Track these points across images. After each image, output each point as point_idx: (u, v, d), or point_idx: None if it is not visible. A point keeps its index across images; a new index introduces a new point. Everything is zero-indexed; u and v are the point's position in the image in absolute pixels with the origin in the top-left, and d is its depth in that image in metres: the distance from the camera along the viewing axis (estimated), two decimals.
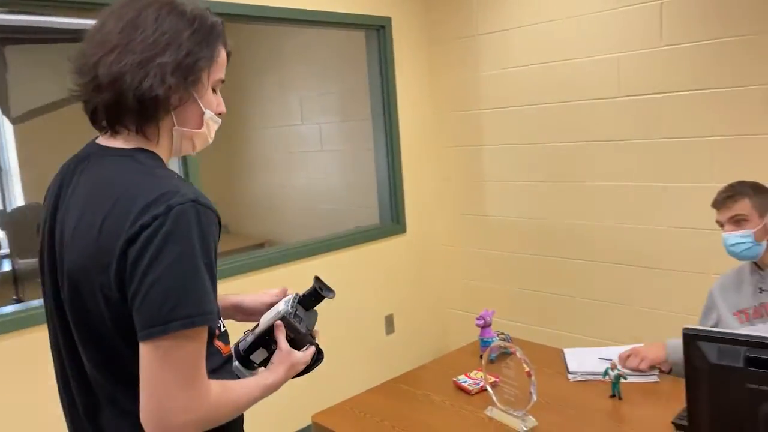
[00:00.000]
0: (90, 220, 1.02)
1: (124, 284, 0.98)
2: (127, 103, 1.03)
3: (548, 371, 2.11)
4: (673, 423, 1.69)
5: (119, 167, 1.06)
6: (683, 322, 2.05)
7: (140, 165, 1.06)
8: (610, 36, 2.91)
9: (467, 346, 2.43)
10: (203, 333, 1.01)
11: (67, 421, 1.17)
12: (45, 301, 1.14)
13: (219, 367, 1.14)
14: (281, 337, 1.21)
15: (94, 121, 1.10)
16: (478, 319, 2.24)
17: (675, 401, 1.82)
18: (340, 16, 3.25)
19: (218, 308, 1.08)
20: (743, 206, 1.89)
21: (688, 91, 2.70)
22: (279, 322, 1.22)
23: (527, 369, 1.73)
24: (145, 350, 0.97)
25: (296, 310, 1.26)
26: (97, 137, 1.14)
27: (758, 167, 2.52)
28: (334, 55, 4.00)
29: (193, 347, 0.99)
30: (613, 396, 1.88)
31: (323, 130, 3.95)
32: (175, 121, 1.10)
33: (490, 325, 2.24)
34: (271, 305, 1.32)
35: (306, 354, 1.23)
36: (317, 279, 1.31)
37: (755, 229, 1.87)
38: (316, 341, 1.27)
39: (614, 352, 2.13)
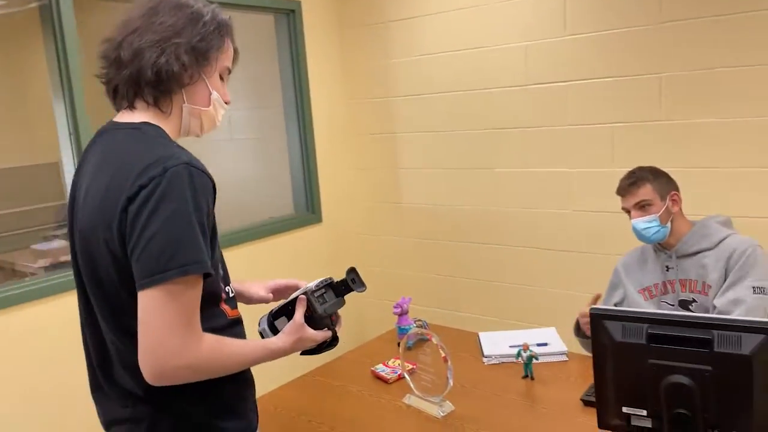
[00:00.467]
0: (98, 184, 1.15)
1: (125, 239, 1.09)
2: (146, 76, 1.16)
3: (464, 356, 2.13)
4: (581, 399, 1.75)
5: (126, 138, 1.18)
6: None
7: (144, 135, 1.17)
8: (517, 25, 2.97)
9: (385, 334, 2.42)
10: (198, 282, 1.10)
11: (88, 375, 1.28)
12: (72, 261, 1.26)
13: (223, 327, 1.21)
14: (300, 310, 1.32)
15: (115, 98, 1.23)
16: (395, 306, 2.23)
17: (583, 378, 1.89)
18: None
19: (220, 268, 1.23)
20: (646, 191, 1.95)
21: (590, 79, 2.80)
22: (302, 296, 1.33)
23: (443, 355, 1.73)
24: (143, 299, 1.07)
25: (323, 293, 1.39)
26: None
27: (654, 152, 2.66)
28: (242, 40, 3.85)
29: (188, 296, 1.08)
30: (525, 377, 1.93)
31: (233, 119, 3.81)
32: (185, 98, 1.23)
33: (407, 312, 2.24)
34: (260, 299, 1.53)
35: (317, 333, 1.33)
36: (352, 270, 1.47)
37: (659, 213, 1.95)
38: (335, 327, 1.40)
39: (526, 335, 2.19)
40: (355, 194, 3.78)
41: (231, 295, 1.29)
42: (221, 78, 1.29)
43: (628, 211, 2.01)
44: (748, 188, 2.47)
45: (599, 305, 2.25)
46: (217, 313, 1.22)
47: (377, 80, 3.53)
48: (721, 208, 2.43)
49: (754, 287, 1.86)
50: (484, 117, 3.15)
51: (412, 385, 1.84)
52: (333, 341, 1.39)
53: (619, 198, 2.04)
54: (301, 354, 1.38)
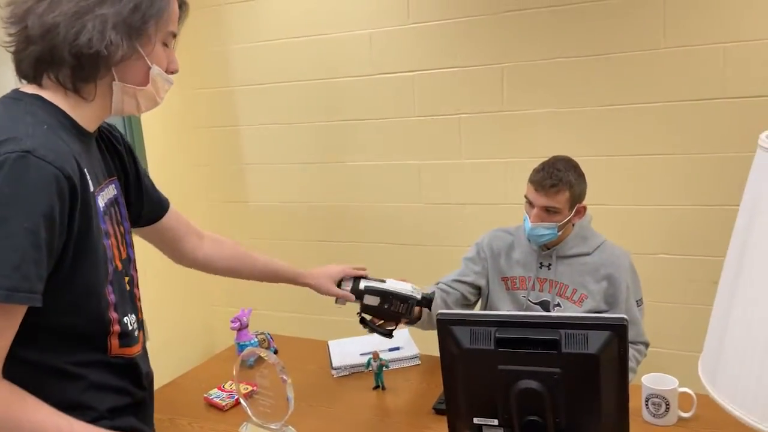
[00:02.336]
0: None
1: None
2: (63, 58, 0.94)
3: (313, 368, 1.95)
4: (433, 408, 1.64)
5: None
6: None
7: (14, 108, 0.95)
8: (360, 11, 2.83)
9: (224, 351, 2.16)
10: (6, 312, 0.86)
11: None
12: None
13: (89, 364, 1.01)
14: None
15: (20, 69, 1.00)
16: (233, 321, 1.99)
17: (436, 384, 1.78)
18: None
19: (110, 293, 1.02)
20: (562, 199, 1.77)
21: (436, 69, 2.73)
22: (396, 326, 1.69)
23: (281, 375, 1.53)
24: None
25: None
26: None
27: (499, 143, 2.65)
28: None
29: None
30: (376, 387, 1.79)
31: None
32: (115, 76, 1.02)
33: (247, 326, 2.01)
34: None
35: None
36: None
37: (562, 222, 1.79)
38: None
39: (378, 340, 2.05)
40: (194, 194, 3.44)
41: (132, 328, 1.09)
42: (165, 45, 1.09)
43: (529, 203, 1.82)
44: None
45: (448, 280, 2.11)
46: (94, 346, 1.01)
47: (215, 68, 3.22)
48: None
49: (637, 301, 1.86)
50: (333, 108, 2.98)
51: (249, 412, 1.61)
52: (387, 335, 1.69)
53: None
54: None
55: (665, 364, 2.49)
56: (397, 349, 1.96)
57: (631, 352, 1.80)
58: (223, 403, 1.73)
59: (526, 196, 1.84)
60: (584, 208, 1.86)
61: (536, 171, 1.81)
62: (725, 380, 0.81)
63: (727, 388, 0.81)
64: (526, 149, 2.60)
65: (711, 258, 2.40)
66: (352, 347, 2.02)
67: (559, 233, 1.83)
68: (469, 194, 2.76)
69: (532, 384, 1.23)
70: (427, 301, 1.66)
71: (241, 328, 1.97)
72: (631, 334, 1.79)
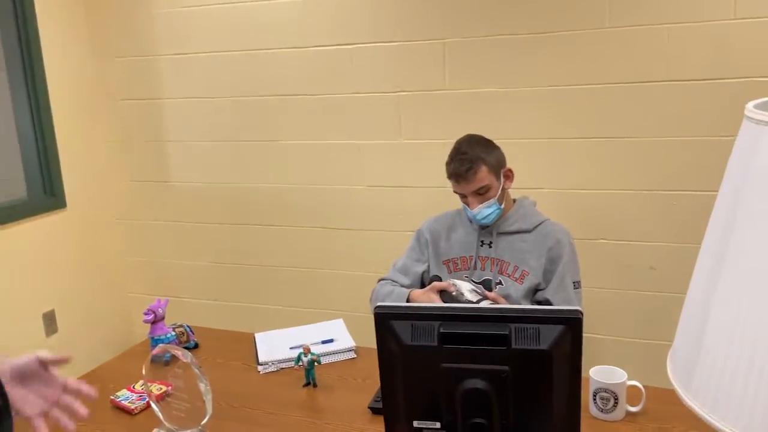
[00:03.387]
0: None
1: None
2: None
3: (236, 364, 1.78)
4: (369, 407, 1.51)
5: None
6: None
7: None
8: None
9: (136, 347, 1.95)
10: None
11: None
12: None
13: None
14: None
15: None
16: (146, 313, 1.78)
17: (372, 379, 1.65)
18: None
19: None
20: (483, 175, 1.75)
21: (374, 43, 2.57)
22: None
23: (197, 377, 1.35)
24: None
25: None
26: None
27: (439, 124, 2.53)
28: None
29: None
30: (307, 384, 1.64)
31: None
32: None
33: (162, 318, 1.80)
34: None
35: None
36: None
37: (497, 195, 1.78)
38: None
39: (309, 332, 1.89)
40: (111, 173, 3.16)
41: None
42: None
43: (463, 196, 1.81)
44: (526, 158, 2.45)
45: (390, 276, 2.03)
46: None
47: (135, 34, 2.94)
48: None
49: (574, 282, 1.81)
50: (263, 82, 2.77)
51: (160, 416, 1.43)
52: None
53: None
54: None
55: (602, 350, 2.46)
56: (331, 341, 1.82)
57: None
58: (132, 406, 1.54)
59: (454, 191, 1.83)
60: (510, 170, 1.85)
61: (447, 165, 1.80)
62: (703, 384, 0.72)
63: (706, 394, 0.71)
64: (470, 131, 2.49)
65: (648, 243, 2.38)
66: (281, 340, 1.86)
67: (502, 205, 1.82)
68: (412, 176, 2.63)
69: (479, 383, 1.12)
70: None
71: (156, 320, 1.77)
72: None
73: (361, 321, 2.29)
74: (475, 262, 1.85)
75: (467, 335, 1.11)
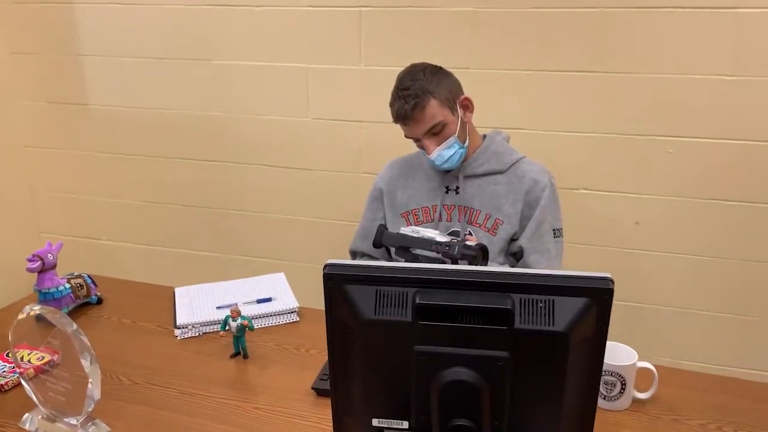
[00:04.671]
0: None
1: None
2: None
3: (148, 327, 1.43)
4: (313, 388, 1.19)
5: None
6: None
7: None
8: None
9: (23, 301, 1.57)
10: None
11: None
12: None
13: None
14: None
15: None
16: (31, 259, 1.40)
17: (319, 351, 1.33)
18: None
19: None
20: (434, 110, 1.44)
21: (284, 6, 2.17)
22: None
23: (79, 353, 1.00)
24: None
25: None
26: None
27: (412, 45, 2.15)
28: None
29: None
30: (236, 354, 1.31)
31: None
32: None
33: (53, 266, 1.42)
34: None
35: None
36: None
37: (457, 132, 1.47)
38: None
39: (243, 288, 1.55)
40: (17, 90, 2.66)
41: None
42: None
43: (417, 140, 1.50)
44: (498, 93, 2.11)
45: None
46: None
47: None
48: None
49: (554, 230, 1.53)
50: None
51: (34, 398, 1.08)
52: None
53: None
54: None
55: None
56: (269, 300, 1.49)
57: None
58: (3, 381, 1.18)
59: (405, 136, 1.52)
60: (468, 99, 1.53)
61: (391, 105, 1.51)
62: None
63: None
64: (446, 50, 2.13)
65: (634, 195, 2.11)
66: (207, 297, 1.52)
67: (465, 143, 1.51)
68: (374, 109, 2.27)
69: (465, 374, 0.81)
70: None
71: (45, 269, 1.39)
72: (540, 267, 1.48)
73: (307, 274, 1.96)
74: (440, 213, 1.55)
75: (453, 309, 0.79)
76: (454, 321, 0.79)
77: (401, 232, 1.34)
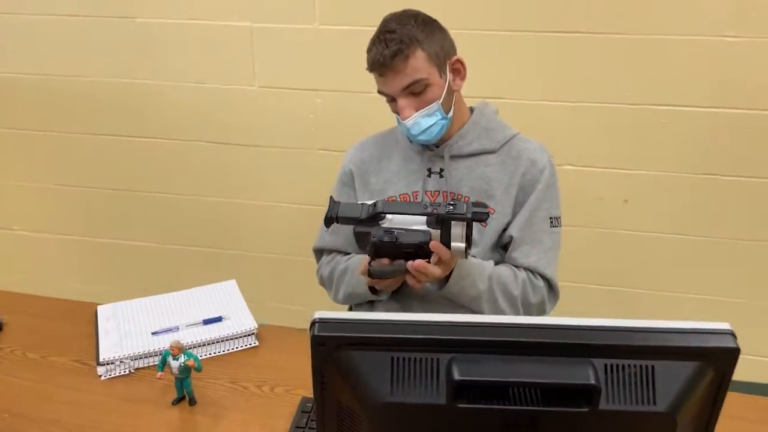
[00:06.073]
0: None
1: None
2: None
3: (65, 364, 1.12)
4: None
5: None
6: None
7: None
8: None
9: None
10: None
11: None
12: None
13: None
14: None
15: None
16: None
17: (288, 386, 1.05)
18: None
19: None
20: (419, 64, 1.18)
21: None
22: None
23: None
24: None
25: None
26: None
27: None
28: None
29: None
30: (180, 400, 1.02)
31: None
32: None
33: None
34: None
35: None
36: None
37: (442, 98, 1.22)
38: None
39: (181, 304, 1.25)
40: None
41: None
42: None
43: (388, 97, 1.23)
44: (476, 56, 1.85)
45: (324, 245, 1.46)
46: None
47: None
48: None
49: (551, 218, 1.30)
50: None
51: None
52: None
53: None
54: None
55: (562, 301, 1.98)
56: (218, 320, 1.19)
57: (521, 277, 1.27)
58: None
59: (379, 92, 1.24)
60: (461, 61, 1.28)
61: (369, 51, 1.23)
62: None
63: None
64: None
65: (623, 171, 1.92)
66: (138, 317, 1.21)
67: (449, 114, 1.25)
68: (330, 76, 1.96)
69: None
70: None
71: None
72: (530, 261, 1.27)
73: (257, 268, 1.67)
74: (422, 200, 1.29)
75: (507, 385, 0.54)
76: (508, 402, 0.54)
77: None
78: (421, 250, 1.05)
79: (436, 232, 1.05)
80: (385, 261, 1.08)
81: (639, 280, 2.00)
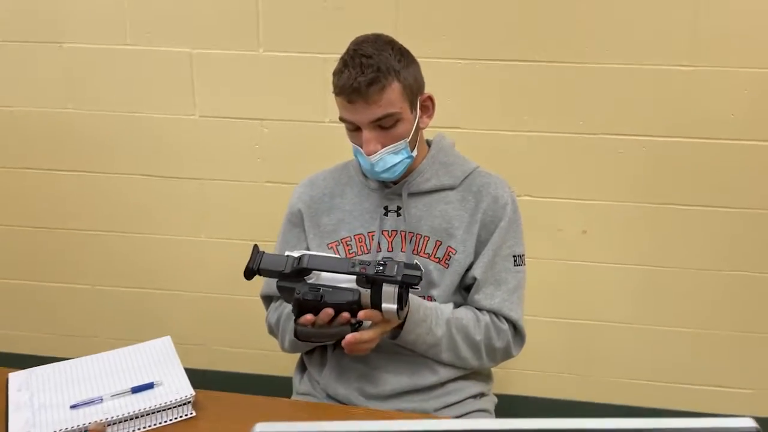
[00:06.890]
0: None
1: None
2: None
3: None
4: None
5: None
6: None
7: None
8: None
9: None
10: None
11: None
12: None
13: None
14: None
15: None
16: None
17: None
18: None
19: None
20: (394, 97, 1.11)
21: None
22: None
23: None
24: None
25: None
26: None
27: (324, 27, 1.76)
28: None
29: None
30: None
31: None
32: None
33: None
34: None
35: None
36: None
37: (411, 133, 1.16)
38: None
39: (107, 368, 1.10)
40: None
41: None
42: None
43: (352, 126, 1.15)
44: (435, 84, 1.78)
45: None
46: None
47: None
48: None
49: (514, 257, 1.23)
50: None
51: None
52: None
53: None
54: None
55: (536, 334, 1.92)
56: (150, 387, 1.05)
57: (484, 321, 1.19)
58: None
59: (341, 119, 1.16)
60: (430, 99, 1.24)
61: (337, 73, 1.14)
62: None
63: None
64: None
65: (580, 201, 1.87)
66: (55, 386, 1.05)
67: (414, 153, 1.19)
68: (276, 105, 1.85)
69: None
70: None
71: None
72: (494, 303, 1.20)
73: (203, 316, 1.53)
74: (378, 241, 1.21)
75: None
76: None
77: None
78: (349, 310, 0.97)
79: (366, 291, 0.97)
80: (310, 317, 1.00)
81: (599, 312, 1.95)
